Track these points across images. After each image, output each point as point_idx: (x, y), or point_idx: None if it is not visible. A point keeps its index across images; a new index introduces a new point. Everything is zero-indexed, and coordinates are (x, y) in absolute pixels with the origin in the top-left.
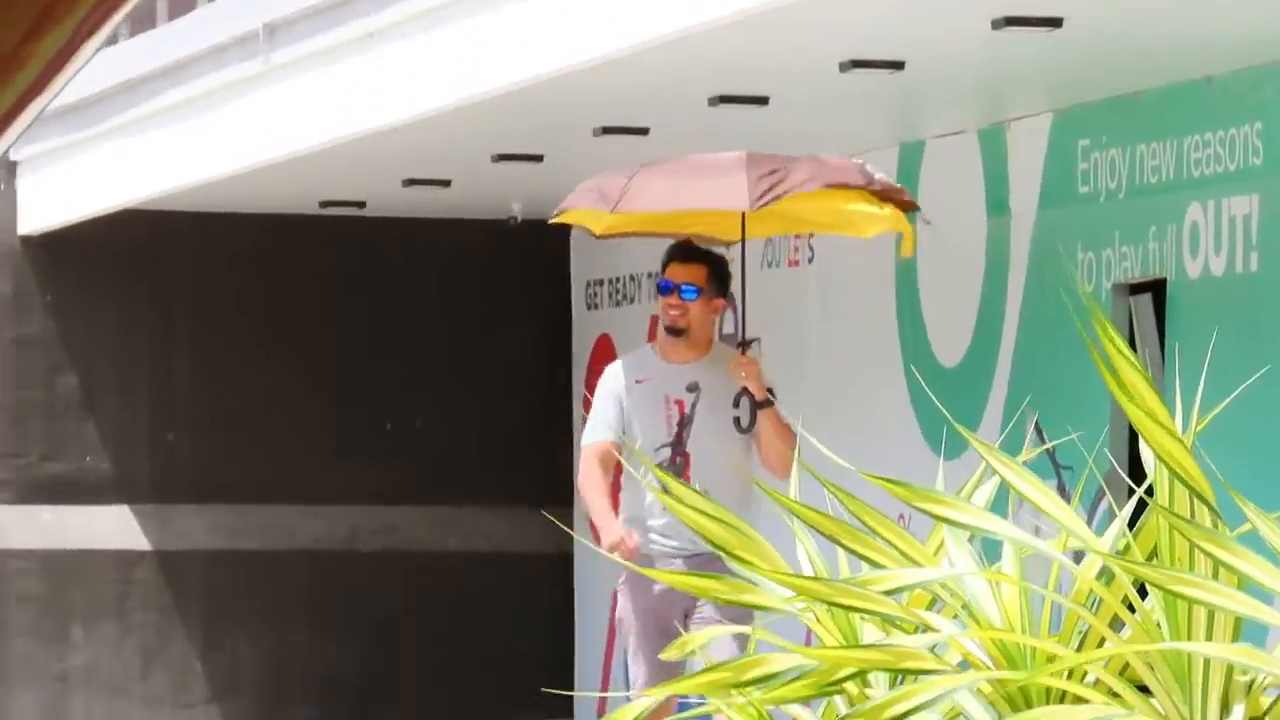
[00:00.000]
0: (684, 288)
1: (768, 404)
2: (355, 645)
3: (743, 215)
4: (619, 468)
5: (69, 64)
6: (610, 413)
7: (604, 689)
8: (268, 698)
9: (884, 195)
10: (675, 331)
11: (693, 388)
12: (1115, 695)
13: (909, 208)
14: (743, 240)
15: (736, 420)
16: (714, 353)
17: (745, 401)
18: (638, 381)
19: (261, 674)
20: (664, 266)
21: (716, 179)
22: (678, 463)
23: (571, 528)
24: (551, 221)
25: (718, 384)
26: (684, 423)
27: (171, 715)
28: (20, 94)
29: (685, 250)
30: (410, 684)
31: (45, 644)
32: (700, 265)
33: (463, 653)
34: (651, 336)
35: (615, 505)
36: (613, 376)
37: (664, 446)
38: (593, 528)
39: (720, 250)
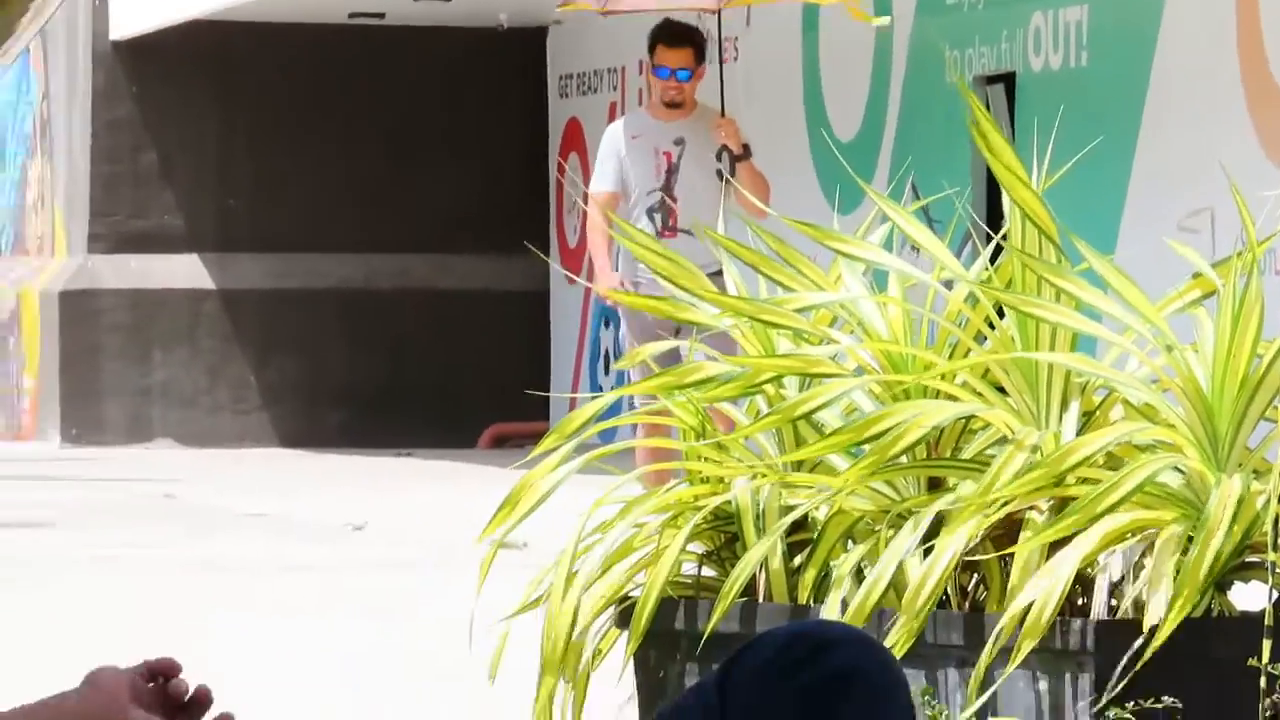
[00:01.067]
0: (679, 72)
1: (744, 157)
2: (373, 364)
3: None
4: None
5: None
6: (610, 166)
7: (574, 394)
8: (306, 405)
9: None
10: (675, 105)
11: (679, 141)
12: (979, 394)
13: None
14: (719, 13)
15: (718, 172)
16: (698, 111)
17: (726, 155)
18: (633, 137)
19: (301, 387)
20: (652, 48)
21: None
22: (667, 204)
23: (548, 270)
24: (559, 9)
25: (701, 139)
26: (671, 170)
27: (231, 419)
28: None
29: (673, 33)
30: (417, 394)
31: (132, 364)
32: (687, 48)
33: (459, 370)
34: (612, 118)
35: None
36: (612, 134)
37: (655, 190)
38: (592, 267)
39: (697, 24)
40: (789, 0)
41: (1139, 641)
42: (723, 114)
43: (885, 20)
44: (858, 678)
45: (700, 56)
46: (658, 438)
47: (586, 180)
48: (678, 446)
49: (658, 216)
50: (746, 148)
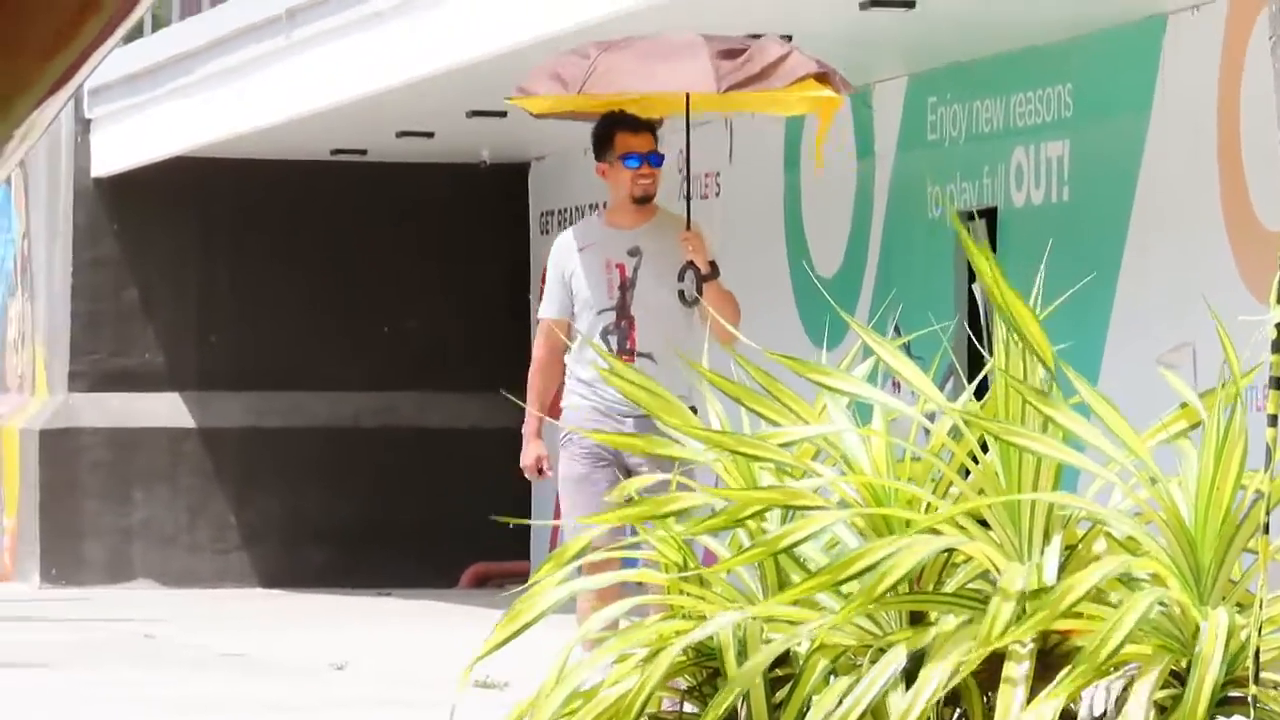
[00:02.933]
0: (652, 156)
1: (712, 276)
2: (354, 503)
3: (687, 95)
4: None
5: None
6: (557, 289)
7: (554, 534)
8: (287, 544)
9: (827, 77)
10: (646, 199)
11: (634, 252)
12: (961, 528)
13: (847, 88)
14: (687, 118)
15: (681, 294)
16: (659, 217)
17: (690, 274)
18: (581, 249)
19: (282, 525)
20: (608, 141)
21: (680, 61)
22: (622, 326)
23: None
24: (507, 101)
25: (662, 248)
26: (625, 286)
27: (211, 560)
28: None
29: (632, 121)
30: (399, 532)
31: (112, 504)
32: (649, 133)
33: (441, 507)
34: None
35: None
36: (559, 248)
37: (608, 309)
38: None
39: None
40: (759, 111)
41: None
42: (688, 225)
43: (818, 166)
44: None
45: (658, 144)
46: (609, 571)
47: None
48: (660, 580)
49: (613, 339)
50: (714, 265)
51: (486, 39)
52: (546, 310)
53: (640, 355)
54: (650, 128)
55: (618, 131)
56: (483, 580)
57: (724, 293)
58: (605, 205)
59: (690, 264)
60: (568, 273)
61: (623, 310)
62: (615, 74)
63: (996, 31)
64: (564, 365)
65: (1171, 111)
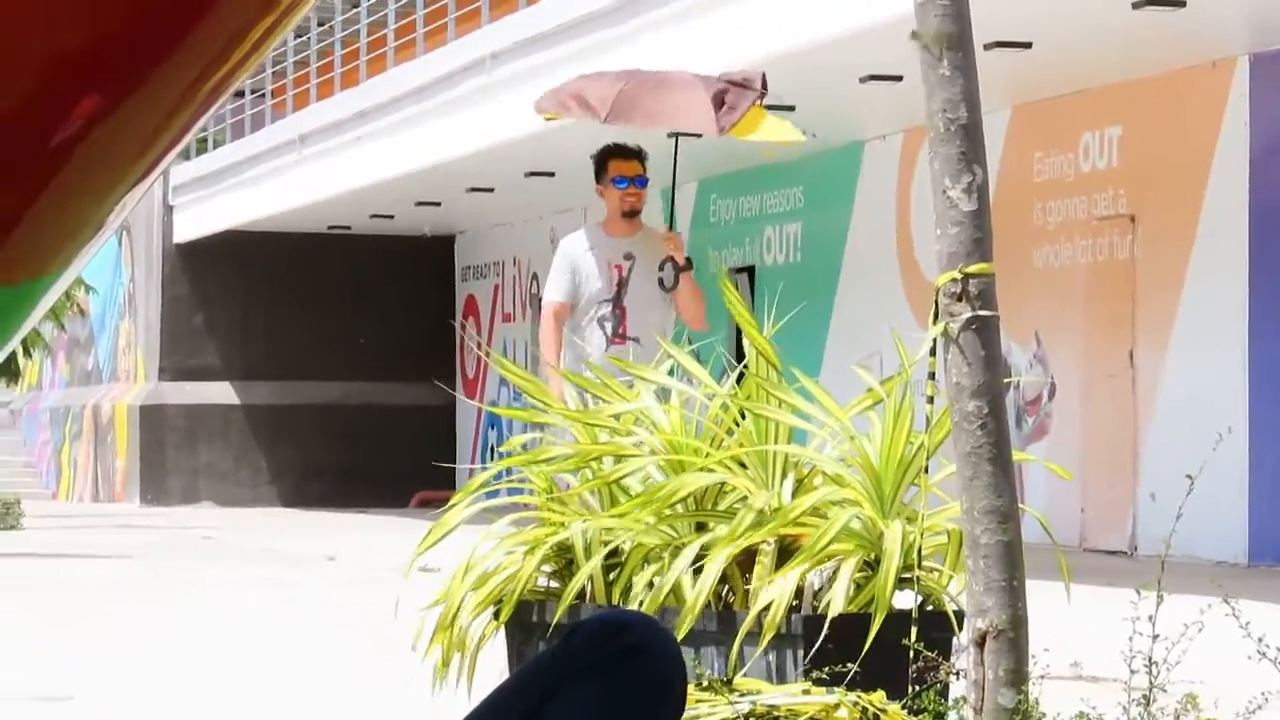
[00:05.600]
0: (638, 179)
1: (687, 268)
2: (343, 453)
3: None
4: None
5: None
6: (563, 278)
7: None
8: (300, 479)
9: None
10: (634, 213)
11: (629, 256)
12: (729, 468)
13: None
14: (676, 141)
15: (660, 281)
16: (645, 230)
17: (670, 266)
18: (588, 249)
19: (297, 467)
20: (604, 166)
21: (683, 99)
22: (616, 314)
23: (454, 393)
24: (539, 111)
25: (648, 255)
26: (622, 283)
27: (251, 489)
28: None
29: (625, 150)
30: (371, 472)
31: (185, 453)
32: (638, 160)
33: (398, 455)
34: (496, 298)
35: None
36: (570, 246)
37: (606, 300)
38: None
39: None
40: (761, 139)
41: (829, 629)
42: (671, 228)
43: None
44: (646, 647)
45: (645, 169)
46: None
47: (485, 338)
48: (534, 501)
49: (609, 325)
50: (689, 261)
51: (427, 155)
52: (554, 294)
53: (629, 339)
54: (640, 156)
55: (611, 159)
56: (426, 503)
57: (695, 285)
58: (503, 265)
59: (670, 258)
60: (577, 266)
61: (617, 302)
62: (634, 112)
63: (753, 152)
64: (564, 335)
65: (867, 205)
